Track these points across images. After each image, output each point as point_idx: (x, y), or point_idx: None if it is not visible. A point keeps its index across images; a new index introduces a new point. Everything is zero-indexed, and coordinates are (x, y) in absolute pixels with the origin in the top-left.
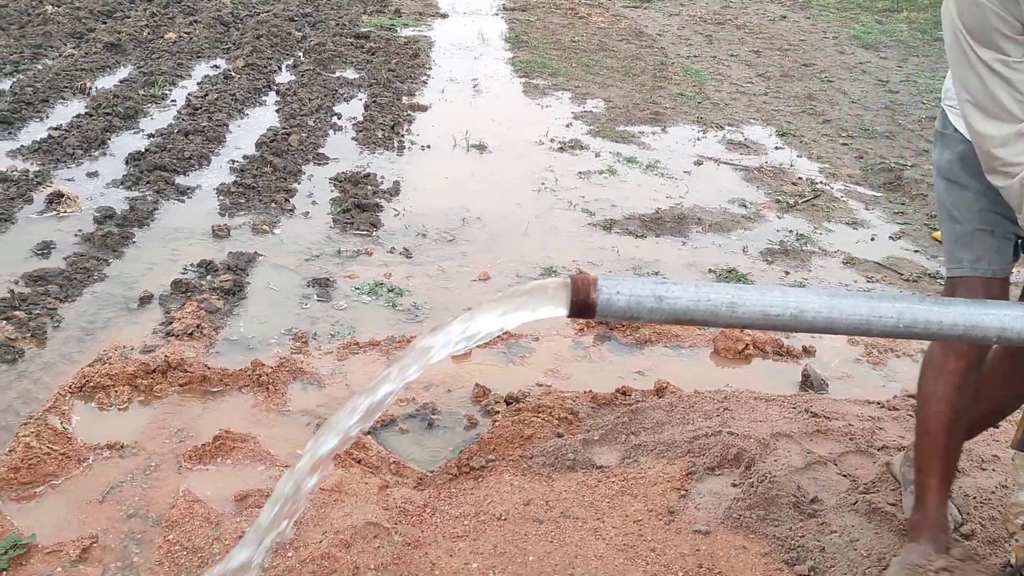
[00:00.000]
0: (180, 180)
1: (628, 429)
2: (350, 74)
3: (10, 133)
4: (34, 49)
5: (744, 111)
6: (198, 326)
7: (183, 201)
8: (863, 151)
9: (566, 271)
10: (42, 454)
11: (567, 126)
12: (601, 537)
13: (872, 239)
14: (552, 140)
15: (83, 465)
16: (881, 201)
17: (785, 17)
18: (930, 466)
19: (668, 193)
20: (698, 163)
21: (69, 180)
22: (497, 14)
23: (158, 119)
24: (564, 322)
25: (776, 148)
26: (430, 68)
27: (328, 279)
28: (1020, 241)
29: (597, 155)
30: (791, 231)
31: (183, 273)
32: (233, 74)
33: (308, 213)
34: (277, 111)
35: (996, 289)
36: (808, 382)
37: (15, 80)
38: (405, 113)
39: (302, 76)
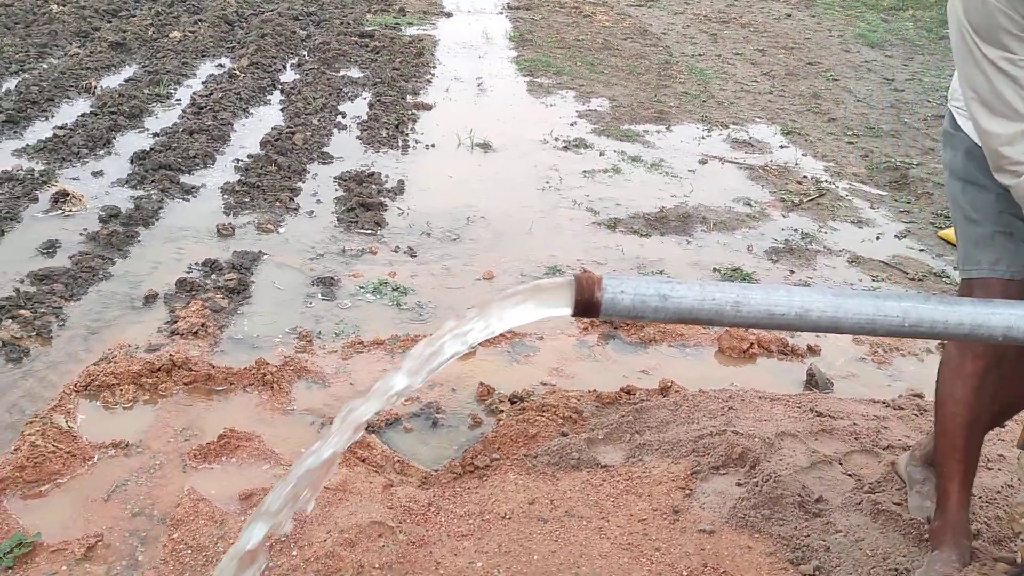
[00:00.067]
0: (185, 179)
1: (632, 428)
2: (354, 73)
3: (16, 132)
4: (39, 48)
5: (749, 110)
6: (203, 325)
7: (188, 200)
8: (868, 150)
9: (570, 270)
10: (47, 452)
11: (571, 125)
12: (606, 536)
13: (877, 238)
14: (556, 139)
15: (88, 464)
16: (886, 200)
17: (790, 15)
18: (949, 470)
19: (673, 192)
20: (703, 162)
21: (74, 179)
22: (501, 13)
23: (163, 118)
24: (568, 321)
25: (781, 147)
26: (434, 67)
27: (332, 278)
28: None
29: (602, 154)
30: (796, 230)
31: (188, 272)
32: (238, 73)
33: (312, 212)
34: (281, 110)
35: (1014, 291)
36: (813, 381)
37: (21, 79)
38: (409, 112)
39: (306, 75)
